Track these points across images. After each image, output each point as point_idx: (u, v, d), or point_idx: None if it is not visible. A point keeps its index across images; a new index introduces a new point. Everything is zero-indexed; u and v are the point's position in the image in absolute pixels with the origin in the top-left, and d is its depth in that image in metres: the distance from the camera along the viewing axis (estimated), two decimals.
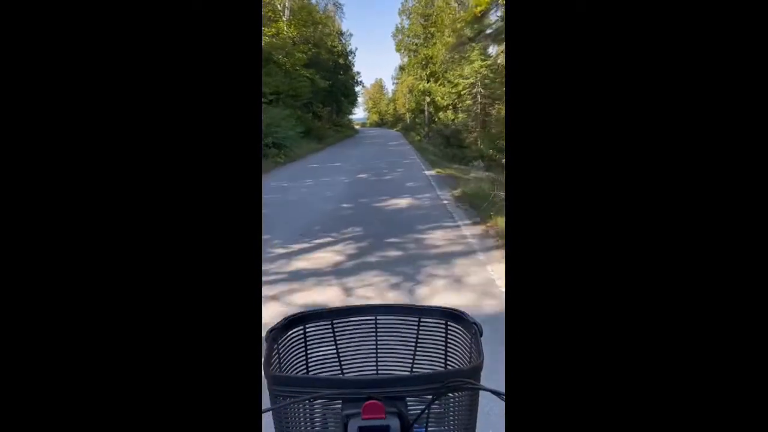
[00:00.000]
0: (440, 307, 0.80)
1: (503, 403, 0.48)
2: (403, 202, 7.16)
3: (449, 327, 0.79)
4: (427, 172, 11.03)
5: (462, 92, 20.60)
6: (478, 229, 5.23)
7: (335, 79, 27.55)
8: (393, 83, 54.92)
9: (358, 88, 38.68)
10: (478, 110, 18.70)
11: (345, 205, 6.92)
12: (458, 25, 15.60)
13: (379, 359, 0.81)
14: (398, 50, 37.42)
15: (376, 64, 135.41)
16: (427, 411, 0.61)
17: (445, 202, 7.06)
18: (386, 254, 4.34)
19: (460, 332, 0.78)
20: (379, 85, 63.89)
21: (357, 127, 66.76)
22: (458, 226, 5.44)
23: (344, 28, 36.51)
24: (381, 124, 57.59)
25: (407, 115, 40.91)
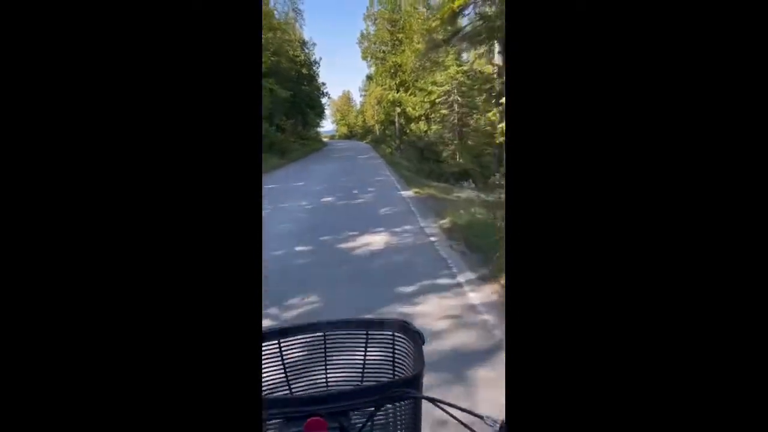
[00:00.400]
0: (387, 319, 0.80)
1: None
2: (377, 239, 5.45)
3: (396, 338, 0.78)
4: (404, 193, 9.36)
5: (436, 101, 19.04)
6: (490, 292, 3.55)
7: (298, 90, 25.80)
8: (361, 95, 53.46)
9: (324, 100, 36.94)
10: (455, 120, 17.17)
11: (300, 248, 5.17)
12: (432, 24, 14.05)
13: (328, 375, 0.80)
14: (364, 58, 35.43)
15: (343, 75, 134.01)
16: (369, 423, 0.61)
17: (433, 238, 5.38)
18: None
19: (406, 342, 0.78)
20: (346, 97, 61.59)
21: (325, 139, 65.65)
22: (459, 285, 3.75)
23: (307, 38, 34.69)
24: (350, 136, 55.52)
25: (376, 127, 39.33)
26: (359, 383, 0.79)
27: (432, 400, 0.59)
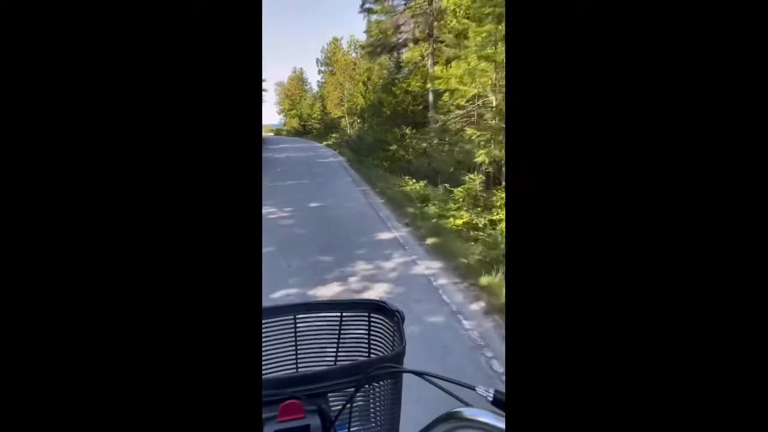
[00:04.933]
0: (362, 300, 0.79)
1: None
2: None
3: (372, 318, 0.78)
4: None
5: None
6: None
7: None
8: (320, 73, 38.37)
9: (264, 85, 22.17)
10: None
11: None
12: None
13: (299, 359, 0.78)
14: None
15: (292, 49, 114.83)
16: (349, 404, 0.59)
17: None
18: None
19: (383, 322, 0.77)
20: (299, 78, 45.64)
21: (270, 134, 49.47)
22: None
23: None
24: (303, 132, 39.42)
25: (345, 121, 24.37)
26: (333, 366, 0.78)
27: (419, 374, 0.57)
